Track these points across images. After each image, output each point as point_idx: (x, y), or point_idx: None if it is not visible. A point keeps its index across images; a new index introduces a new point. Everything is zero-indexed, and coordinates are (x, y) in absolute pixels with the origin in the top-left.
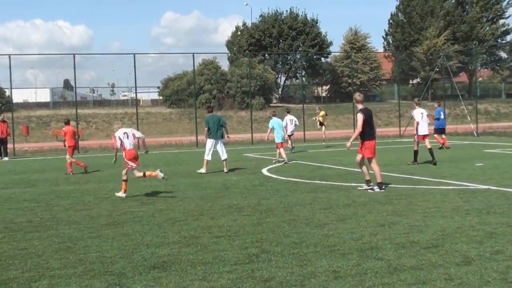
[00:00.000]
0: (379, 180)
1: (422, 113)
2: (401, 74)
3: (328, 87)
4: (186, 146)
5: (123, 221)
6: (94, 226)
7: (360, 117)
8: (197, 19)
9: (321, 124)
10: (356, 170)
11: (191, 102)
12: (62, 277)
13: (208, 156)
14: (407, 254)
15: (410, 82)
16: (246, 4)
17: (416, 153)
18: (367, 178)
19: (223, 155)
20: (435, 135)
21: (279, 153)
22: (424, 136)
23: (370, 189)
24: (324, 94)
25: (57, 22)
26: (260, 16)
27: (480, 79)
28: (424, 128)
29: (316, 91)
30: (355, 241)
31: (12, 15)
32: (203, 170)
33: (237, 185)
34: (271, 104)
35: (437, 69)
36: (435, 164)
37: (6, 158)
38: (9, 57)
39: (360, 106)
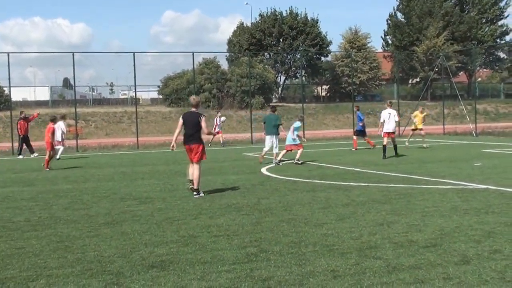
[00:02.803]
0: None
1: (389, 113)
2: (401, 74)
3: (327, 86)
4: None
5: (122, 220)
6: (92, 225)
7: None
8: (197, 18)
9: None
10: (355, 169)
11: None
12: (59, 276)
13: (266, 148)
14: (406, 253)
15: (410, 82)
16: (247, 3)
17: (384, 148)
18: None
19: (276, 148)
20: (354, 137)
21: (283, 154)
22: (389, 134)
23: None
24: (323, 94)
25: (56, 20)
26: (259, 15)
27: (479, 79)
28: (389, 126)
29: (315, 90)
30: (354, 240)
31: (11, 13)
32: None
33: (236, 184)
34: (270, 104)
35: (437, 69)
36: (384, 158)
37: (35, 154)
38: (8, 55)
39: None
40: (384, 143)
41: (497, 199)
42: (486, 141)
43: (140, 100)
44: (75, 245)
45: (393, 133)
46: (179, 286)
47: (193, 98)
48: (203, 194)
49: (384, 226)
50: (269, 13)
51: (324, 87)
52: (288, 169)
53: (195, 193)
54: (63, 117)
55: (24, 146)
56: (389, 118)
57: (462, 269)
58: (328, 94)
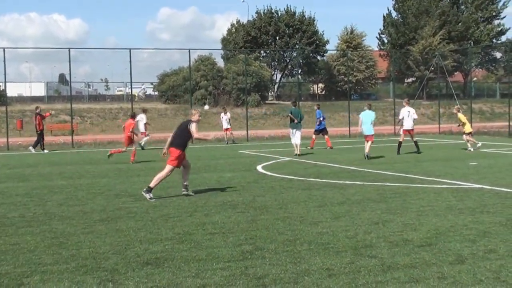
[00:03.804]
0: None
1: (408, 111)
2: (396, 73)
3: (323, 85)
4: (159, 142)
5: (117, 217)
6: (87, 222)
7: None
8: (194, 15)
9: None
10: (350, 168)
11: (187, 98)
12: (54, 272)
13: (293, 140)
14: (401, 252)
15: (405, 81)
16: (243, 1)
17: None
18: None
19: (298, 140)
20: (313, 136)
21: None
22: (408, 131)
23: None
24: (319, 92)
25: (52, 15)
26: (256, 13)
27: (475, 78)
28: (408, 124)
29: (312, 88)
30: (349, 239)
31: (6, 8)
32: (297, 152)
33: (231, 182)
34: (266, 102)
35: (432, 68)
36: (398, 154)
37: (46, 151)
38: (4, 50)
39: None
40: (401, 139)
41: (492, 198)
42: (481, 140)
43: (136, 97)
44: (69, 242)
45: (412, 130)
46: (173, 283)
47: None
48: (148, 197)
49: (379, 225)
50: (265, 11)
51: (320, 85)
52: (284, 167)
53: (145, 189)
54: (145, 111)
55: (20, 142)
56: (408, 116)
57: (457, 269)
58: (324, 92)
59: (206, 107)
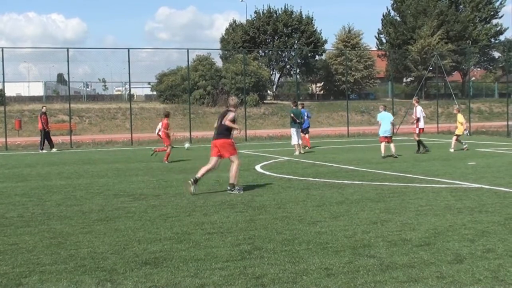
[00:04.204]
0: None
1: (422, 110)
2: (395, 73)
3: (322, 84)
4: (179, 141)
5: (115, 217)
6: (85, 222)
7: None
8: (192, 15)
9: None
10: (349, 167)
11: (185, 98)
12: (52, 272)
13: (293, 141)
14: (399, 252)
15: (404, 80)
16: (242, 0)
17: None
18: None
19: (299, 140)
20: (304, 136)
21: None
22: (422, 129)
23: None
24: (318, 92)
25: (51, 15)
26: (254, 12)
27: (473, 78)
28: (423, 123)
29: (310, 88)
30: (348, 238)
31: (5, 7)
32: (296, 153)
33: None
34: (265, 101)
35: (431, 68)
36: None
37: (54, 150)
38: (2, 50)
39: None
40: (418, 138)
41: (490, 198)
42: (480, 140)
43: (135, 96)
44: (68, 242)
45: (423, 129)
46: (172, 283)
47: (231, 99)
48: (238, 192)
49: (378, 225)
50: (264, 11)
51: (319, 85)
52: (283, 166)
53: (229, 188)
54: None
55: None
56: (423, 115)
57: (455, 268)
58: (323, 92)
59: (187, 145)
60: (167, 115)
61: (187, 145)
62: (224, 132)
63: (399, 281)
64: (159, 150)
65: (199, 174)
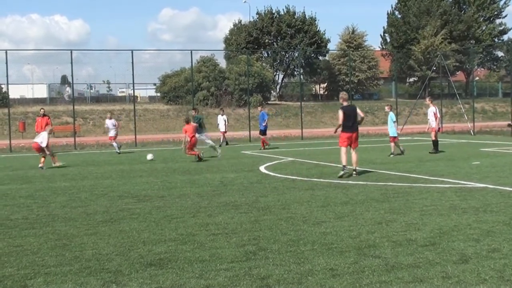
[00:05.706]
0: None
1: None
2: (399, 73)
3: (325, 85)
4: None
5: (120, 218)
6: (90, 223)
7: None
8: (195, 16)
9: None
10: (353, 167)
11: (189, 99)
12: (57, 274)
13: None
14: (404, 252)
15: (408, 80)
16: (245, 1)
17: (435, 142)
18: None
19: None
20: (262, 137)
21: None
22: (439, 129)
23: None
24: (322, 92)
25: (54, 17)
26: (257, 13)
27: (477, 78)
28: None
29: (314, 89)
30: (353, 239)
31: (8, 9)
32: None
33: (234, 182)
34: (268, 102)
35: (434, 68)
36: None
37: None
38: (6, 52)
39: (344, 104)
40: (435, 138)
41: (495, 198)
42: (484, 140)
43: (138, 98)
44: (73, 243)
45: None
46: (177, 284)
47: (343, 93)
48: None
49: (383, 225)
50: (266, 12)
51: (322, 85)
52: (287, 167)
53: (354, 172)
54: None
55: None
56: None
57: (461, 268)
58: (326, 93)
59: (150, 156)
60: (187, 121)
61: (149, 156)
62: (356, 125)
63: (404, 282)
64: (193, 153)
65: (343, 162)
